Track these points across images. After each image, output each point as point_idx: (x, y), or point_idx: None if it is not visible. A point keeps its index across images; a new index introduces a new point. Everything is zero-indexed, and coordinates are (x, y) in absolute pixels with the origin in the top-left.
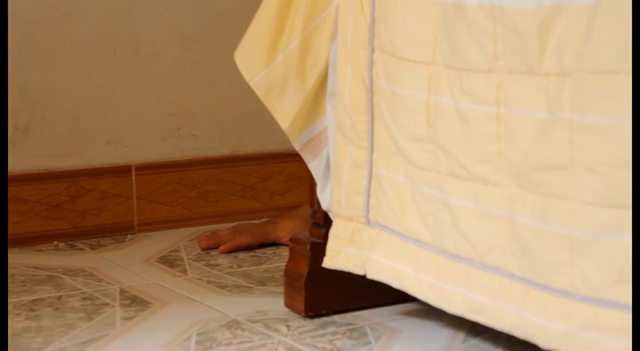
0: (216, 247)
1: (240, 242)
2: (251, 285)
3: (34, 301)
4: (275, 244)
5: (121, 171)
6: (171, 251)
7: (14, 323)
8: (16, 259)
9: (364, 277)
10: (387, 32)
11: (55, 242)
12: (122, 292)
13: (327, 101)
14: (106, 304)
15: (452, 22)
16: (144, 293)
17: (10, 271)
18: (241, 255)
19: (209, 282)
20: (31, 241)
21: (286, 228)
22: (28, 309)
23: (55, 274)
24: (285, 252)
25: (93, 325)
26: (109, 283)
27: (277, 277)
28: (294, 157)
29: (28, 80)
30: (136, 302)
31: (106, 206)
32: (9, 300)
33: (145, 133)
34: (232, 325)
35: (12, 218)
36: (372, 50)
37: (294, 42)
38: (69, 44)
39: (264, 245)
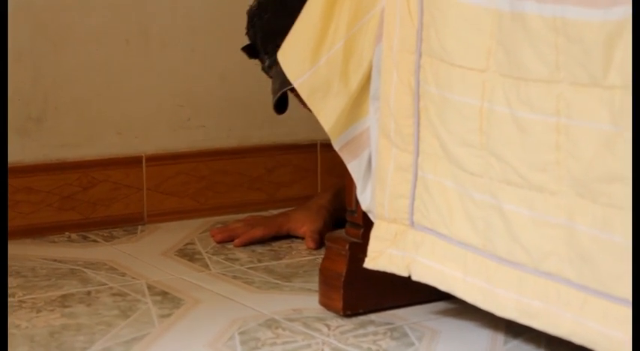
0: (230, 240)
1: (254, 235)
2: (277, 281)
3: (63, 296)
4: (288, 236)
5: (132, 162)
6: (187, 244)
7: (51, 320)
8: (31, 250)
9: (398, 276)
10: (437, 38)
11: (67, 233)
12: (150, 287)
13: (369, 104)
14: (138, 301)
15: (509, 31)
16: (172, 289)
17: (29, 263)
18: (258, 248)
19: (234, 277)
20: (43, 231)
21: (299, 220)
22: (60, 305)
23: (76, 267)
24: (300, 246)
25: (131, 323)
26: (134, 278)
27: (301, 272)
28: (299, 149)
29: (41, 69)
30: (167, 299)
31: (116, 197)
32: (36, 294)
33: (155, 124)
34: (271, 324)
35: (24, 209)
36: (420, 55)
37: (339, 44)
38: (81, 33)
39: (277, 238)
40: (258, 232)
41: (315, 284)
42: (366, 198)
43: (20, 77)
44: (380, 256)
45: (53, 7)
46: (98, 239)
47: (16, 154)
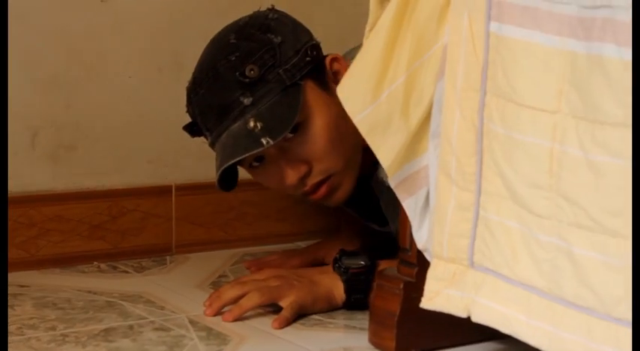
0: None
1: (293, 264)
2: (320, 318)
3: (106, 330)
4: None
5: (162, 191)
6: (220, 276)
7: None
8: (62, 280)
9: (449, 316)
10: (505, 77)
11: (96, 263)
12: (192, 322)
13: (429, 141)
14: (183, 336)
15: (584, 73)
16: (215, 324)
17: (63, 294)
18: None
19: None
20: (71, 261)
21: (334, 247)
22: (104, 339)
23: (112, 299)
24: None
25: None
26: (173, 312)
27: (341, 309)
28: None
29: (74, 96)
30: (212, 335)
31: (145, 227)
32: (77, 328)
33: (186, 153)
34: None
35: (53, 237)
36: (485, 93)
37: (399, 80)
38: (114, 61)
39: None
40: (295, 262)
41: (358, 321)
42: (422, 236)
43: (54, 104)
44: (437, 296)
45: (88, 34)
46: (128, 270)
47: (47, 182)
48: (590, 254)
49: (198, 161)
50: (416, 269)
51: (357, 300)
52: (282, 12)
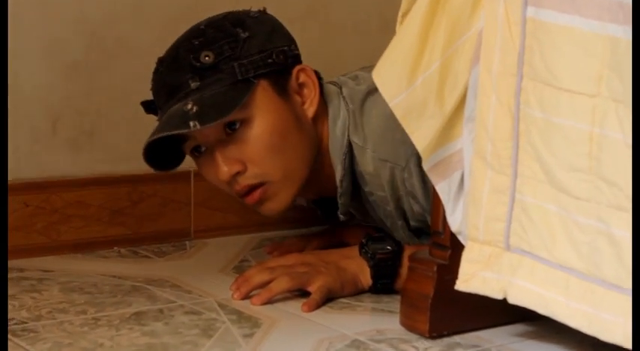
0: None
1: (314, 246)
2: (348, 301)
3: (137, 314)
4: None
5: (181, 177)
6: (242, 261)
7: (134, 339)
8: (85, 265)
9: (480, 298)
10: (543, 62)
11: (116, 248)
12: (221, 305)
13: (464, 125)
14: (215, 319)
15: (625, 57)
16: (245, 308)
17: (88, 279)
18: None
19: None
20: (92, 246)
21: (352, 231)
22: (136, 323)
23: (138, 284)
24: None
25: (217, 343)
26: (200, 296)
27: (367, 292)
28: None
29: (95, 82)
30: (243, 318)
31: (164, 212)
32: (108, 311)
33: None
34: (359, 345)
35: (74, 223)
36: (521, 78)
37: (434, 65)
38: (135, 46)
39: None
40: (315, 244)
41: (385, 304)
42: (455, 219)
43: (74, 90)
44: (472, 279)
45: (108, 20)
46: (149, 255)
47: (68, 168)
48: (630, 235)
49: None
50: (449, 252)
51: (383, 285)
52: (270, 16)
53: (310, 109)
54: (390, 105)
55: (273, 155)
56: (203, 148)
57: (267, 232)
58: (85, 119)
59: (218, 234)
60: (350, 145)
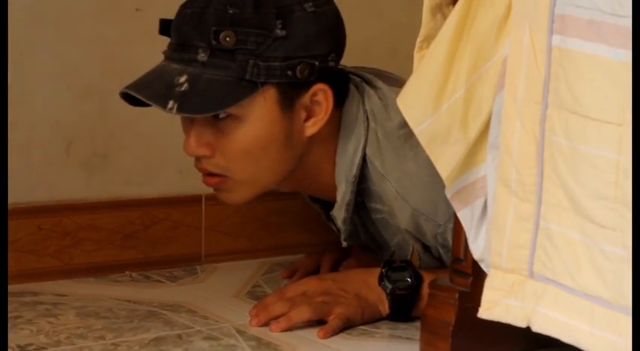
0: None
1: (329, 263)
2: (366, 328)
3: (156, 339)
4: None
5: (192, 201)
6: (254, 287)
7: None
8: (99, 290)
9: (500, 326)
10: (569, 90)
11: (127, 272)
12: (239, 331)
13: (487, 152)
14: (234, 346)
15: None
16: (263, 334)
17: (103, 304)
18: None
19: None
20: (103, 270)
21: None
22: (157, 349)
23: (153, 309)
24: None
25: None
26: (217, 322)
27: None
28: None
29: (108, 106)
30: (263, 344)
31: (175, 236)
32: (127, 337)
33: None
34: None
35: (86, 246)
36: (546, 106)
37: (459, 92)
38: (147, 69)
39: None
40: (328, 262)
41: (402, 331)
42: (478, 247)
43: (88, 113)
44: (495, 306)
45: (122, 43)
46: (161, 279)
47: (81, 191)
48: None
49: None
50: (470, 279)
51: (401, 316)
52: (330, 11)
53: (311, 129)
54: (415, 131)
55: (246, 160)
56: None
57: (278, 256)
58: (99, 142)
59: (228, 258)
60: (362, 163)
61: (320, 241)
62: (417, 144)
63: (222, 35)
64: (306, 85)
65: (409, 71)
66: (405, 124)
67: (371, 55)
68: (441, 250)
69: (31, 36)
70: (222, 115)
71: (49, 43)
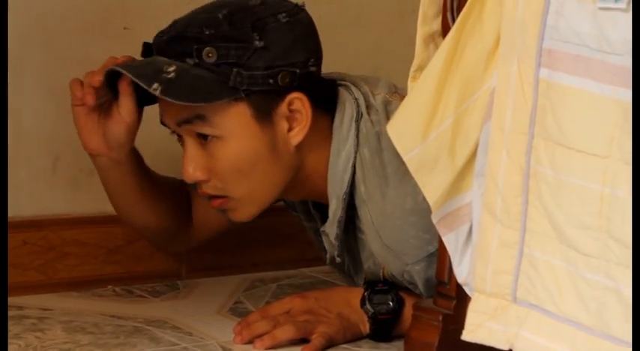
0: None
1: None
2: (347, 346)
3: None
4: None
5: None
6: (236, 303)
7: None
8: (83, 304)
9: (481, 348)
10: (555, 122)
11: (110, 286)
12: (224, 349)
13: (474, 180)
14: None
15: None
16: None
17: (89, 319)
18: None
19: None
20: (87, 284)
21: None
22: None
23: (138, 324)
24: None
25: None
26: (202, 338)
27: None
28: None
29: None
30: None
31: (157, 252)
32: None
33: None
34: None
35: (71, 261)
36: (532, 136)
37: (447, 121)
38: None
39: None
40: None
41: (384, 349)
42: (462, 271)
43: (74, 129)
44: (478, 329)
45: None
46: (144, 294)
47: (66, 206)
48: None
49: None
50: (454, 302)
51: (382, 338)
52: (303, 19)
53: (296, 138)
54: (405, 159)
55: (238, 178)
56: (179, 137)
57: (259, 272)
58: (85, 159)
59: (209, 274)
60: (352, 179)
61: (301, 257)
62: (398, 185)
63: (204, 52)
64: (280, 95)
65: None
66: (391, 162)
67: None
68: (409, 286)
69: (20, 54)
70: (208, 138)
71: (37, 61)
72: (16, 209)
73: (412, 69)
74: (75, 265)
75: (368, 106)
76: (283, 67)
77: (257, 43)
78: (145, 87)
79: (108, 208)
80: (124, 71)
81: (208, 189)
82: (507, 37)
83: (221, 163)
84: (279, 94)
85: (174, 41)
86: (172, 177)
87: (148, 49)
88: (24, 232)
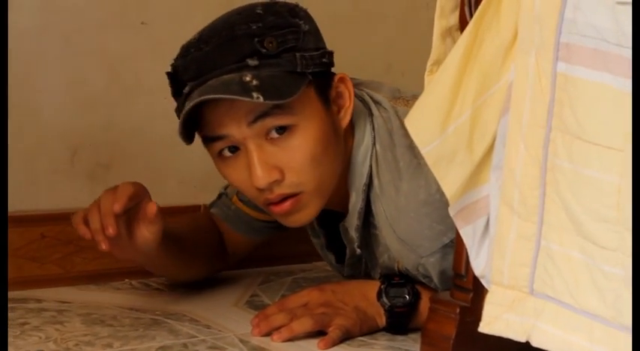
0: None
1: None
2: (364, 339)
3: (162, 348)
4: None
5: (191, 211)
6: (252, 296)
7: None
8: (102, 297)
9: (495, 339)
10: (573, 115)
11: (127, 280)
12: (242, 341)
13: (491, 173)
14: None
15: None
16: (265, 344)
17: (107, 311)
18: None
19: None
20: (104, 277)
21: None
22: None
23: (157, 317)
24: None
25: None
26: (220, 331)
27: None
28: None
29: (112, 117)
30: None
31: None
32: (133, 345)
33: (214, 175)
34: None
35: (88, 254)
36: (550, 129)
37: (465, 115)
38: (151, 82)
39: None
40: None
41: (400, 342)
42: (479, 264)
43: (93, 123)
44: (496, 321)
45: (127, 55)
46: (161, 287)
47: (84, 200)
48: None
49: (225, 182)
50: (471, 294)
51: (398, 331)
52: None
53: (344, 120)
54: (422, 152)
55: (313, 165)
56: (233, 150)
57: (274, 266)
58: (103, 152)
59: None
60: (370, 176)
61: (316, 251)
62: (411, 178)
63: (265, 41)
64: (330, 76)
65: (403, 87)
66: (403, 156)
67: (366, 70)
68: (423, 280)
69: (40, 48)
70: (273, 135)
71: (56, 55)
72: (35, 203)
73: (429, 63)
74: (93, 258)
75: (376, 103)
76: (324, 48)
77: (303, 26)
78: (248, 99)
79: None
80: (218, 95)
81: (283, 189)
82: (525, 31)
83: (299, 153)
84: (329, 74)
85: (227, 45)
86: (195, 215)
87: (177, 77)
88: (43, 225)
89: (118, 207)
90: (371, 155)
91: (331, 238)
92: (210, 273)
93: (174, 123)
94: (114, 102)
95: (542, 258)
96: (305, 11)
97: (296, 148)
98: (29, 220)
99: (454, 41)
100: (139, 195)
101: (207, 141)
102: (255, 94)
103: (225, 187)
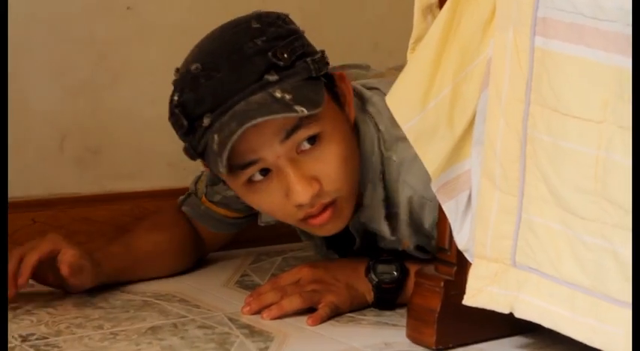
0: None
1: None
2: (352, 315)
3: (152, 328)
4: None
5: (181, 193)
6: (242, 276)
7: None
8: None
9: (482, 312)
10: (550, 89)
11: None
12: (232, 320)
13: (472, 148)
14: (228, 334)
15: (629, 86)
16: (255, 322)
17: (99, 294)
18: None
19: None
20: None
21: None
22: (154, 338)
23: (147, 298)
24: None
25: None
26: (210, 310)
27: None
28: None
29: (100, 102)
30: (255, 332)
31: None
32: (124, 326)
33: None
34: None
35: (79, 238)
36: (529, 103)
37: (445, 90)
38: (138, 67)
39: None
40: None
41: (387, 317)
42: (462, 238)
43: (81, 109)
44: (479, 294)
45: (114, 41)
46: None
47: (74, 185)
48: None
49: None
50: (455, 268)
51: (385, 306)
52: None
53: (351, 115)
54: (404, 129)
55: (347, 168)
56: (264, 172)
57: (263, 246)
58: (92, 138)
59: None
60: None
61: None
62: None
63: (278, 54)
64: (332, 77)
65: (390, 66)
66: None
67: (353, 49)
68: (423, 256)
69: (26, 35)
70: (304, 147)
71: (42, 42)
72: (25, 189)
73: (411, 41)
74: (84, 242)
75: (370, 89)
76: (320, 49)
77: (300, 30)
78: (294, 115)
79: (115, 186)
80: (262, 119)
81: (323, 197)
82: (503, 7)
83: (333, 159)
84: (331, 74)
85: (241, 66)
86: (155, 219)
87: (188, 112)
88: (33, 211)
89: (21, 281)
90: (378, 142)
91: (331, 238)
92: (192, 262)
93: (162, 106)
94: (101, 87)
95: (523, 230)
96: (288, 16)
97: (330, 154)
98: (20, 205)
99: (435, 18)
100: (53, 251)
101: (234, 170)
102: (297, 108)
103: (195, 183)
